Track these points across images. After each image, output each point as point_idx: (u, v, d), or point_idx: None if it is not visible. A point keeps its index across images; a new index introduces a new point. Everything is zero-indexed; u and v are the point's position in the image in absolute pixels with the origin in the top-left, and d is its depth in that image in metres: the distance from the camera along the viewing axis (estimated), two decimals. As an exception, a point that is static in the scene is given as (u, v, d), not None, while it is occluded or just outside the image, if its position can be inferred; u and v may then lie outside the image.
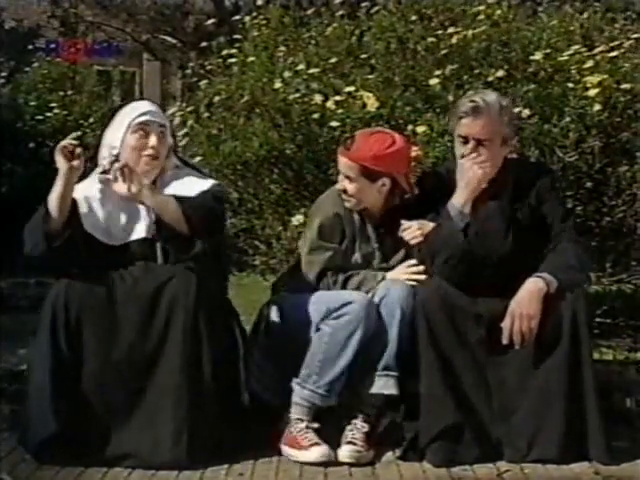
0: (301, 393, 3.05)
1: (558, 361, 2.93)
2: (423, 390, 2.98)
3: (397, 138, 3.22)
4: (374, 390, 3.05)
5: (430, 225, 3.07)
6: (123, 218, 3.14)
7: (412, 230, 3.06)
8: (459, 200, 3.07)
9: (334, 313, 3.04)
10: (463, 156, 3.08)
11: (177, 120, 4.84)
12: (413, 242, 3.07)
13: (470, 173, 3.06)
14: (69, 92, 8.07)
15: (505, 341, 2.95)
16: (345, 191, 3.20)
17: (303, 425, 3.03)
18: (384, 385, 3.03)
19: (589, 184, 3.82)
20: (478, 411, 2.98)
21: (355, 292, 3.10)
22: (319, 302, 3.11)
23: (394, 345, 3.03)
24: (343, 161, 3.21)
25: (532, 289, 2.96)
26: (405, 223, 3.08)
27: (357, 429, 3.03)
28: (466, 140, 3.07)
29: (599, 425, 2.92)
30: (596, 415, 2.92)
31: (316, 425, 3.04)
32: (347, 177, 3.19)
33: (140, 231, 3.12)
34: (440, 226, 3.05)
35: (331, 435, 3.06)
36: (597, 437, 2.93)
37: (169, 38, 13.78)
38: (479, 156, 3.05)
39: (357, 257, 3.22)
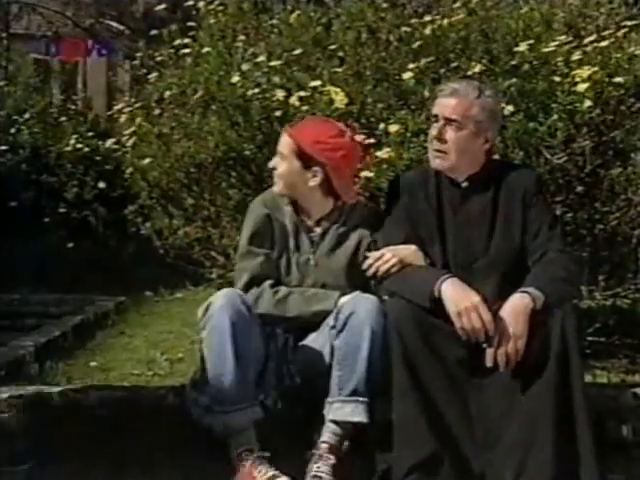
0: (219, 422, 3.05)
1: (546, 384, 2.95)
2: (396, 418, 2.98)
3: (347, 134, 3.30)
4: (341, 417, 3.06)
5: (401, 249, 3.13)
6: None
7: (386, 259, 3.12)
8: None
9: (202, 322, 3.08)
10: (431, 140, 3.18)
11: (124, 117, 4.87)
12: (393, 270, 3.12)
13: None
14: (1, 83, 8.05)
15: (489, 363, 2.97)
16: (274, 169, 3.29)
17: (254, 456, 3.03)
18: (352, 412, 3.05)
19: (580, 188, 3.88)
20: (458, 440, 2.99)
21: (220, 291, 3.13)
22: None
23: (363, 367, 3.04)
24: (283, 137, 3.31)
25: (517, 306, 2.99)
26: (373, 255, 3.15)
27: (323, 461, 3.04)
28: (437, 119, 3.18)
29: (591, 455, 2.94)
30: (588, 444, 2.94)
31: (267, 454, 3.04)
32: (280, 154, 3.28)
33: None
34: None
35: (294, 466, 3.06)
36: (589, 468, 2.94)
37: (115, 24, 13.76)
38: (443, 141, 3.14)
39: (292, 266, 3.27)
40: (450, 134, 3.15)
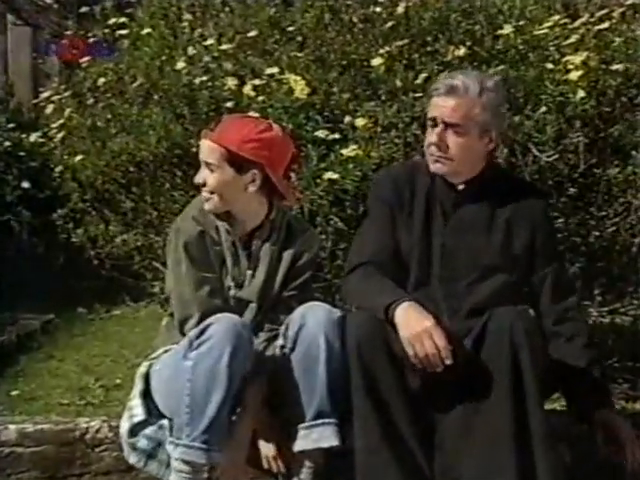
0: (176, 453, 3.01)
1: (500, 415, 2.95)
2: (359, 449, 3.00)
3: (275, 126, 3.28)
4: (310, 446, 3.07)
5: None
6: None
7: None
8: None
9: (195, 343, 3.03)
10: (429, 145, 3.17)
11: (52, 107, 4.88)
12: None
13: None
14: None
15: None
16: (204, 185, 3.22)
17: None
18: (320, 437, 3.05)
19: (572, 190, 3.92)
20: (427, 475, 3.01)
21: (221, 314, 3.08)
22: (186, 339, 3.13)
23: (324, 384, 3.04)
24: (205, 145, 3.23)
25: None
26: None
27: None
28: (435, 123, 3.17)
29: None
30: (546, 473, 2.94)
31: None
32: (208, 165, 3.22)
33: None
34: None
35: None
36: None
37: (42, -3, 13.72)
38: (444, 147, 3.14)
39: (230, 286, 3.27)
40: (452, 139, 3.15)
